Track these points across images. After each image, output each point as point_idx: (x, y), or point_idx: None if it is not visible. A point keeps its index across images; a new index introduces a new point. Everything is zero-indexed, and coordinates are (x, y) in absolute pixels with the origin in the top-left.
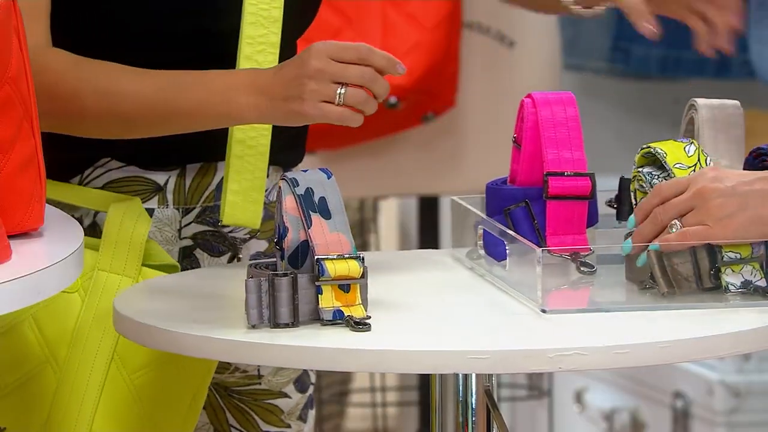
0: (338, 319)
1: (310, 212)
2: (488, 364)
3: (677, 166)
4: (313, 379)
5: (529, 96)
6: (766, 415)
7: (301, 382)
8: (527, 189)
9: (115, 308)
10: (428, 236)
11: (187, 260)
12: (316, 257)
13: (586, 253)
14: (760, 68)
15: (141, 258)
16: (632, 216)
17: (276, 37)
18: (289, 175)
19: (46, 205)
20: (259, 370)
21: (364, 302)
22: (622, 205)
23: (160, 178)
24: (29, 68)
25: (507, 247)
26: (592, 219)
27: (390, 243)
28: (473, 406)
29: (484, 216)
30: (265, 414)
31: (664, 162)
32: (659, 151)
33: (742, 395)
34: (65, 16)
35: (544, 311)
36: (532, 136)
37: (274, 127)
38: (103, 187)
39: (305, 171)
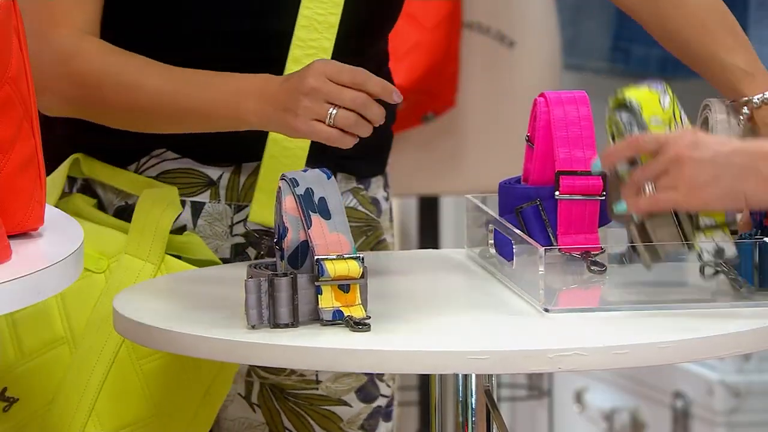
0: (338, 319)
1: (310, 212)
2: (488, 364)
3: (653, 121)
4: (384, 390)
5: (542, 95)
6: (766, 415)
7: (365, 391)
8: (539, 188)
9: (115, 308)
10: (428, 236)
11: (239, 257)
12: (315, 257)
13: (597, 252)
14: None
15: (165, 245)
16: (597, 160)
17: (329, 43)
18: (289, 175)
19: (47, 205)
20: (317, 375)
21: (364, 302)
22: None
23: (213, 173)
24: (29, 68)
25: (514, 247)
26: (605, 218)
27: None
28: (473, 407)
29: (495, 215)
30: (322, 420)
31: (640, 116)
32: (634, 102)
33: (742, 395)
34: (118, 10)
35: (547, 311)
36: (545, 135)
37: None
38: (156, 177)
39: (305, 171)
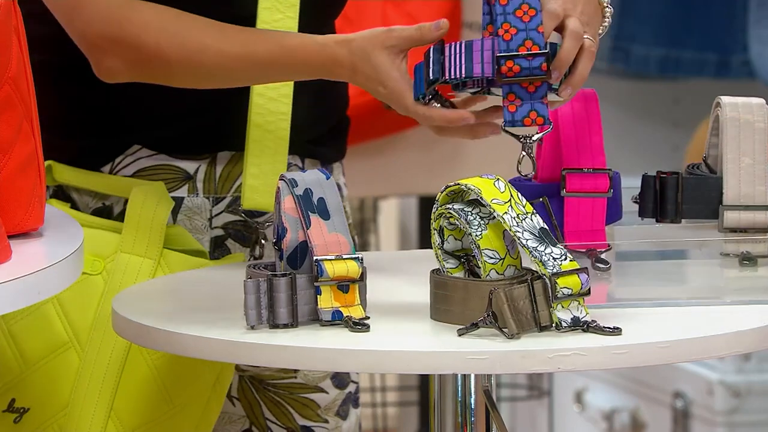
0: (337, 319)
1: (309, 213)
2: (487, 364)
3: (494, 201)
4: (355, 377)
5: None
6: (765, 415)
7: (338, 378)
8: (547, 185)
9: (114, 309)
10: (428, 236)
11: (219, 250)
12: (314, 258)
13: (604, 250)
14: (759, 68)
15: (162, 239)
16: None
17: (293, 22)
18: (288, 175)
19: (47, 205)
20: None
21: (363, 303)
22: (645, 201)
23: (189, 166)
24: (29, 68)
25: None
26: (615, 215)
27: (390, 243)
28: (472, 407)
29: None
30: (301, 408)
31: (481, 198)
32: (473, 187)
33: (742, 395)
34: None
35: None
36: (553, 133)
37: (305, 119)
38: (133, 175)
39: (304, 171)
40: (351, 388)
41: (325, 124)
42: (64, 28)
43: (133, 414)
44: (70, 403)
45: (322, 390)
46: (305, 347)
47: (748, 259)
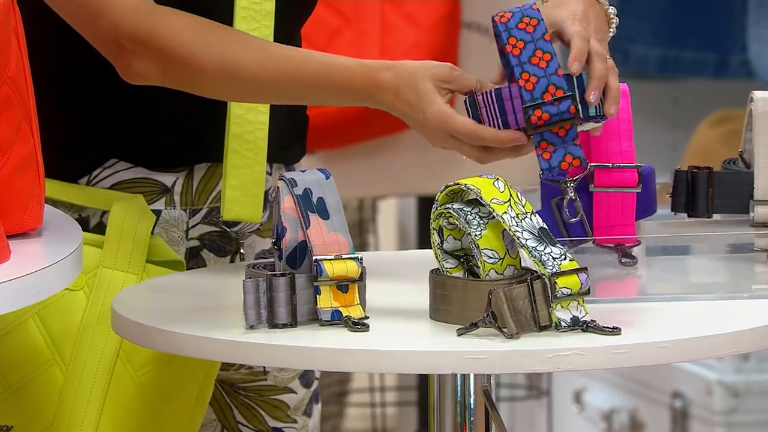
0: (336, 319)
1: (309, 213)
2: (486, 364)
3: (494, 201)
4: (317, 374)
5: None
6: (764, 415)
7: (305, 377)
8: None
9: (113, 309)
10: (427, 236)
11: (194, 261)
12: (314, 258)
13: (632, 245)
14: (758, 68)
15: (145, 254)
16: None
17: (268, 30)
18: (288, 175)
19: (45, 205)
20: (264, 366)
21: (363, 302)
22: (677, 196)
23: (167, 179)
24: (28, 68)
25: None
26: (648, 210)
27: (389, 243)
28: (471, 407)
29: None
30: (272, 410)
31: (480, 197)
32: (472, 187)
33: (740, 395)
34: None
35: None
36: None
37: (274, 125)
38: (110, 188)
39: (303, 171)
40: (315, 385)
41: (295, 129)
42: (83, 33)
43: (120, 430)
44: (55, 421)
45: (291, 391)
46: (305, 347)
47: None
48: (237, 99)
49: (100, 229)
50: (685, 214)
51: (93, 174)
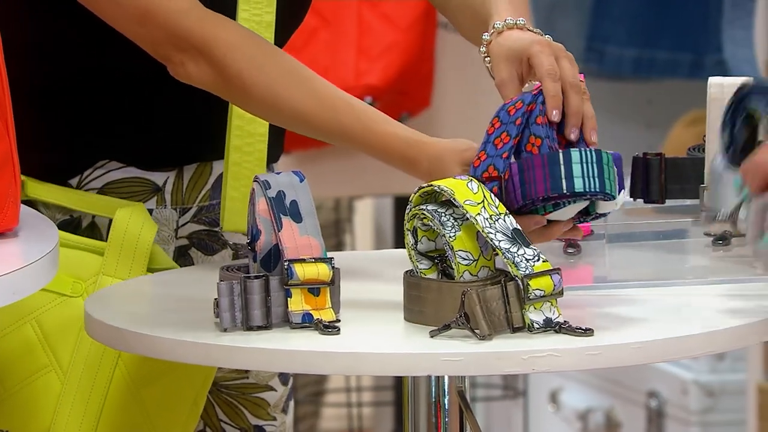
0: (307, 322)
1: (281, 215)
2: (461, 366)
3: (467, 202)
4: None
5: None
6: (739, 414)
7: (284, 375)
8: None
9: (86, 311)
10: (403, 236)
11: (182, 259)
12: (285, 260)
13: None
14: (733, 68)
15: (146, 263)
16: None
17: (270, 17)
18: (262, 177)
19: (22, 205)
20: None
21: (335, 305)
22: (634, 183)
23: (158, 178)
24: (3, 68)
25: None
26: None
27: (365, 243)
28: (446, 407)
29: None
30: (254, 408)
31: (453, 199)
32: (445, 189)
33: (716, 395)
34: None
35: None
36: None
37: (275, 135)
38: (102, 188)
39: (278, 174)
40: (291, 382)
41: (277, 126)
42: (130, 35)
43: None
44: (51, 427)
45: (271, 388)
46: (280, 350)
47: (722, 239)
48: (276, 123)
49: (92, 230)
50: (642, 200)
51: (84, 174)
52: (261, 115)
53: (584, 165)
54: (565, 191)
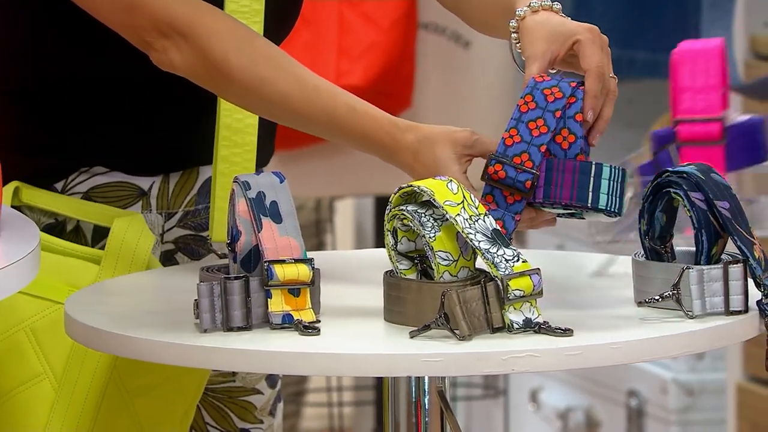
0: (287, 323)
1: (261, 216)
2: (441, 366)
3: (447, 203)
4: (281, 375)
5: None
6: (718, 413)
7: (271, 377)
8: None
9: (66, 311)
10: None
11: (168, 264)
12: (265, 261)
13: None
14: None
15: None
16: None
17: (258, 26)
18: (242, 177)
19: (3, 206)
20: None
21: (315, 306)
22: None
23: (144, 183)
24: None
25: None
26: (757, 158)
27: (346, 243)
28: (426, 407)
29: None
30: (240, 411)
31: (433, 199)
32: (425, 189)
33: (695, 394)
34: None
35: None
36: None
37: (263, 141)
38: (87, 192)
39: (258, 174)
40: (279, 385)
41: (267, 129)
42: (117, 28)
43: None
44: None
45: (258, 391)
46: (261, 351)
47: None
48: (258, 114)
49: (77, 234)
50: None
51: (69, 178)
52: (242, 101)
53: (611, 182)
54: (589, 204)
